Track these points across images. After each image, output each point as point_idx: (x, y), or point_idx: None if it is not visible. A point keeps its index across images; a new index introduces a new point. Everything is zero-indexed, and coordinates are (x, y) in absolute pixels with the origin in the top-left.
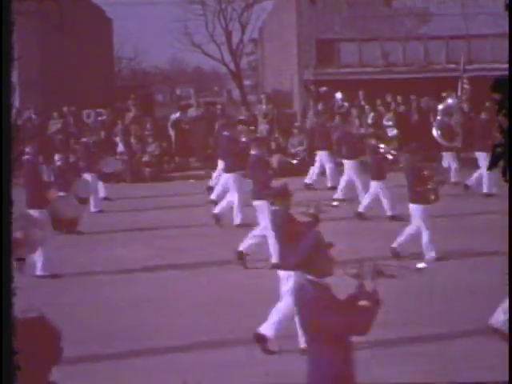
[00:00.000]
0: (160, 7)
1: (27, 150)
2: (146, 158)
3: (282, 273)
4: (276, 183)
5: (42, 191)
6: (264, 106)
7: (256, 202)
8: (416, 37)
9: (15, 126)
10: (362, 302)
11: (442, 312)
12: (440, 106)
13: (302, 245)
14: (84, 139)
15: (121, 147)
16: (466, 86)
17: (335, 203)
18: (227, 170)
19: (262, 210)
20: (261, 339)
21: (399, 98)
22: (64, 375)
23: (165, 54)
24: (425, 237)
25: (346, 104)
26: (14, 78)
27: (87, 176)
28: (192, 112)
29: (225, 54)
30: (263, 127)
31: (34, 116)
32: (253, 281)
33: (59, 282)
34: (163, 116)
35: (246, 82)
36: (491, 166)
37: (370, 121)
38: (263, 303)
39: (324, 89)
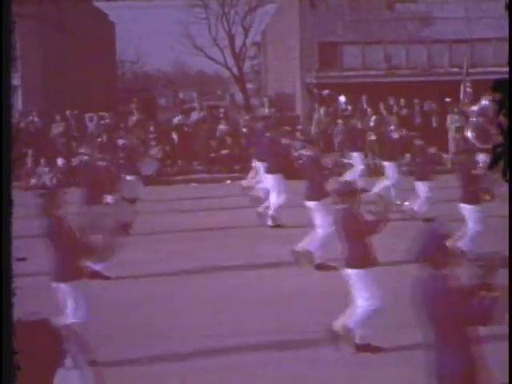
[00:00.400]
0: (162, 11)
1: (84, 150)
2: None
3: (350, 271)
4: (341, 182)
5: (100, 192)
6: (267, 110)
7: (311, 203)
8: (419, 40)
9: (17, 129)
10: (483, 293)
11: None
12: (474, 108)
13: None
14: (122, 141)
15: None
16: (468, 90)
17: (399, 202)
18: (269, 171)
19: (318, 210)
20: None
21: (402, 101)
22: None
23: (167, 58)
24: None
25: (349, 107)
26: (17, 81)
27: (130, 178)
28: (195, 115)
29: (228, 57)
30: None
31: (36, 119)
32: (256, 282)
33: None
34: (166, 119)
35: (249, 86)
36: (491, 166)
37: (371, 124)
38: (266, 305)
39: (327, 92)
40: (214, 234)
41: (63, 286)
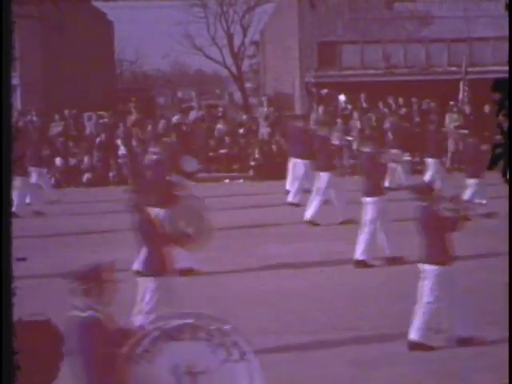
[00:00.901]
0: (161, 10)
1: (154, 150)
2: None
3: (428, 267)
4: (418, 180)
5: (168, 190)
6: (265, 109)
7: (368, 199)
8: (417, 39)
9: (16, 128)
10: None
11: None
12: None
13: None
14: (167, 139)
15: (122, 150)
16: (467, 89)
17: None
18: (321, 168)
19: (374, 206)
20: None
21: (401, 100)
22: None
23: (166, 57)
24: None
25: (349, 106)
26: (16, 80)
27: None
28: (193, 114)
29: (226, 56)
30: (264, 130)
31: (35, 118)
32: (255, 284)
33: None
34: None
35: (248, 85)
36: (491, 166)
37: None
38: (266, 305)
39: (325, 91)
40: (214, 234)
41: (147, 280)
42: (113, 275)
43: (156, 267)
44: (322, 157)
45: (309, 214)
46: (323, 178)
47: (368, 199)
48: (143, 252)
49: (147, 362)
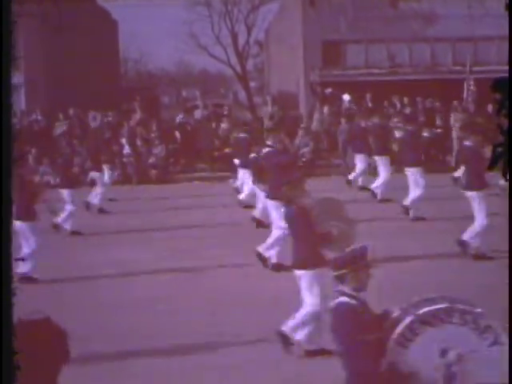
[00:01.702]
0: (165, 9)
1: (270, 142)
2: (151, 160)
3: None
4: None
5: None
6: (270, 108)
7: (471, 193)
8: (422, 38)
9: (20, 127)
10: None
11: None
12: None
13: None
14: (242, 135)
15: (127, 149)
16: (472, 88)
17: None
18: (413, 164)
19: (479, 199)
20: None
21: (405, 100)
22: (69, 375)
23: (170, 56)
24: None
25: (354, 106)
26: (20, 79)
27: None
28: (198, 114)
29: (231, 55)
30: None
31: (39, 117)
32: (261, 282)
33: (57, 284)
34: (169, 118)
35: (252, 84)
36: (491, 166)
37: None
38: (267, 304)
39: (330, 90)
40: (216, 233)
41: (303, 273)
42: (366, 261)
43: (315, 260)
44: (410, 151)
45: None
46: (416, 172)
47: (471, 193)
48: (299, 245)
49: (403, 347)
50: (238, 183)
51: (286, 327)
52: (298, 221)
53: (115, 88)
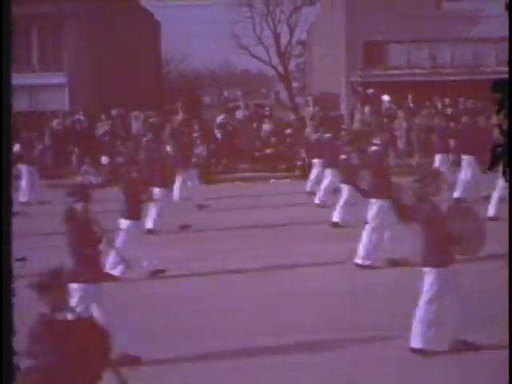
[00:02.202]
0: (207, 10)
1: (376, 141)
2: (193, 160)
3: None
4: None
5: (386, 180)
6: (311, 108)
7: None
8: (465, 39)
9: (63, 128)
10: None
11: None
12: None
13: None
14: (327, 135)
15: (169, 149)
16: None
17: None
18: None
19: None
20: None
21: (447, 100)
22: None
23: (212, 57)
24: None
25: (394, 106)
26: (64, 80)
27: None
28: (240, 114)
29: (272, 56)
30: (310, 129)
31: (82, 118)
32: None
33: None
34: (211, 118)
35: (294, 84)
36: (491, 166)
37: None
38: (311, 303)
39: (371, 91)
40: (257, 233)
41: (432, 271)
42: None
43: (440, 259)
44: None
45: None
46: None
47: None
48: (429, 243)
49: None
50: (310, 184)
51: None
52: (431, 218)
53: (157, 89)
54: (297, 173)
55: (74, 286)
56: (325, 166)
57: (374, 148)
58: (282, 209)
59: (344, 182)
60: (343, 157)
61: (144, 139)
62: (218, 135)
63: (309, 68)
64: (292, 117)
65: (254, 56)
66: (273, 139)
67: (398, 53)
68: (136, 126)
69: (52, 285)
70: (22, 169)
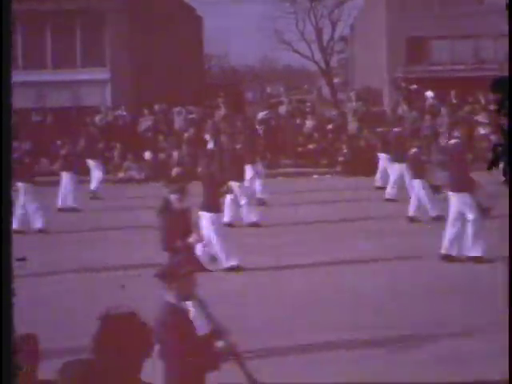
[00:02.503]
0: (249, 5)
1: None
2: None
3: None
4: None
5: (467, 174)
6: (354, 104)
7: None
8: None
9: (106, 123)
10: None
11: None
12: None
13: None
14: (396, 129)
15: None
16: None
17: None
18: None
19: None
20: None
21: (491, 96)
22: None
23: (255, 52)
24: None
25: (437, 102)
26: (106, 75)
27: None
28: (283, 109)
29: (315, 51)
30: (353, 125)
31: (124, 113)
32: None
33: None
34: (253, 114)
35: (336, 80)
36: (491, 166)
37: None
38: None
39: (414, 87)
40: (301, 229)
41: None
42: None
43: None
44: None
45: None
46: None
47: None
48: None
49: None
50: (380, 179)
51: None
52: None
53: (199, 84)
54: (338, 168)
55: None
56: (392, 160)
57: (454, 141)
58: (325, 205)
59: (415, 176)
60: (413, 150)
61: (186, 134)
62: (260, 131)
63: (351, 63)
64: (334, 112)
65: (296, 51)
66: (315, 135)
67: (441, 48)
68: (178, 122)
69: (181, 274)
70: (89, 163)
